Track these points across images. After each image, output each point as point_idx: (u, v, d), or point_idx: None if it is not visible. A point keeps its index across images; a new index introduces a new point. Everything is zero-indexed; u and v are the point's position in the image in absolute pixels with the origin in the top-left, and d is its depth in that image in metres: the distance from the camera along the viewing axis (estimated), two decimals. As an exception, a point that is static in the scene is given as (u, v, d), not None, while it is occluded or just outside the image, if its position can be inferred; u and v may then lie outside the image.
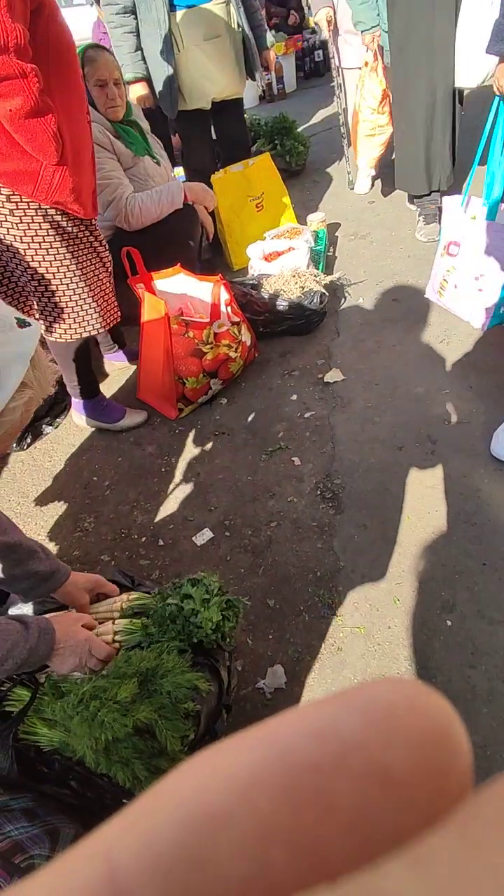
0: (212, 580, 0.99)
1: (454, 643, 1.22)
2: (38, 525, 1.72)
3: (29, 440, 2.00)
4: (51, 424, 2.06)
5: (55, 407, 2.08)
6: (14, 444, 1.96)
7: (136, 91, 2.41)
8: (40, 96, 1.19)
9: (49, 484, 1.85)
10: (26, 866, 0.79)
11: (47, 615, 0.95)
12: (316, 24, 2.78)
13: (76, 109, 1.35)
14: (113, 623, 0.97)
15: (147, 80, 2.38)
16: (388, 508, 1.53)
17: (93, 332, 1.68)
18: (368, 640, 1.26)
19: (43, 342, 0.90)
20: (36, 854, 0.82)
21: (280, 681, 1.23)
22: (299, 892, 0.08)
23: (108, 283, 1.67)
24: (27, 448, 2.00)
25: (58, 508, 1.76)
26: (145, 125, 2.18)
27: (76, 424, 2.04)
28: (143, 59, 2.34)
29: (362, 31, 2.59)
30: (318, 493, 1.61)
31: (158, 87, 2.38)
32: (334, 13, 2.77)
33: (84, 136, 1.40)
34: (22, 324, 0.83)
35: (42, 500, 1.80)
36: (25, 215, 1.41)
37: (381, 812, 0.09)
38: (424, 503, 1.52)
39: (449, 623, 1.25)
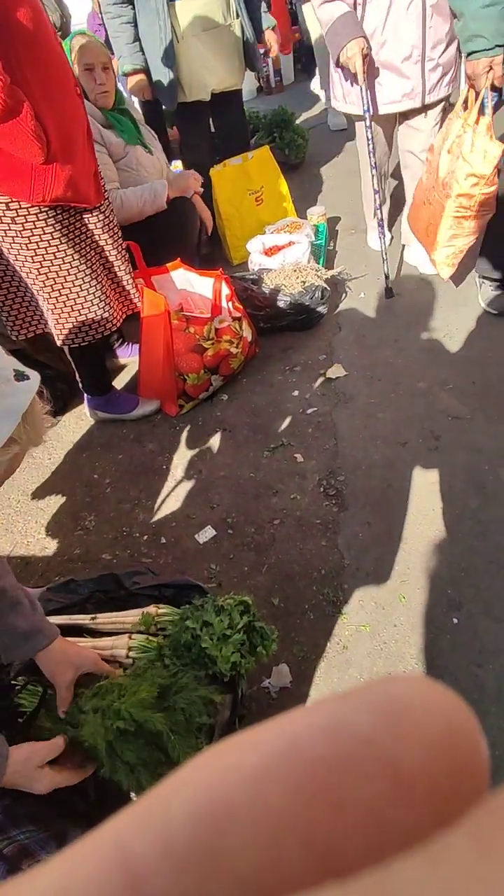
0: (240, 604, 0.91)
1: (461, 641, 1.21)
2: (38, 523, 1.70)
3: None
4: (49, 421, 2.03)
5: (55, 404, 2.05)
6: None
7: (135, 82, 2.37)
8: (9, 96, 1.14)
9: (49, 482, 1.83)
10: (33, 872, 0.78)
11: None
12: (345, 62, 1.86)
13: (57, 87, 1.28)
14: (130, 637, 0.94)
15: (145, 71, 2.35)
16: (393, 505, 1.51)
17: (107, 331, 1.67)
18: (374, 639, 1.25)
19: (41, 393, 0.86)
20: (43, 860, 0.80)
21: (285, 680, 1.22)
22: (310, 886, 0.08)
23: (123, 270, 1.65)
24: (26, 445, 1.98)
25: (58, 506, 1.74)
26: (138, 116, 2.15)
27: (81, 419, 2.02)
28: (142, 49, 2.31)
29: (469, 55, 1.67)
30: (322, 490, 1.60)
31: (157, 78, 2.35)
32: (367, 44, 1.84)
33: (74, 114, 1.34)
34: (20, 377, 0.80)
35: (42, 497, 1.78)
36: (27, 221, 1.38)
37: (393, 810, 0.09)
38: (429, 500, 1.50)
39: (455, 621, 1.24)
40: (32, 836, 0.84)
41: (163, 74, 2.31)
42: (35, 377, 0.83)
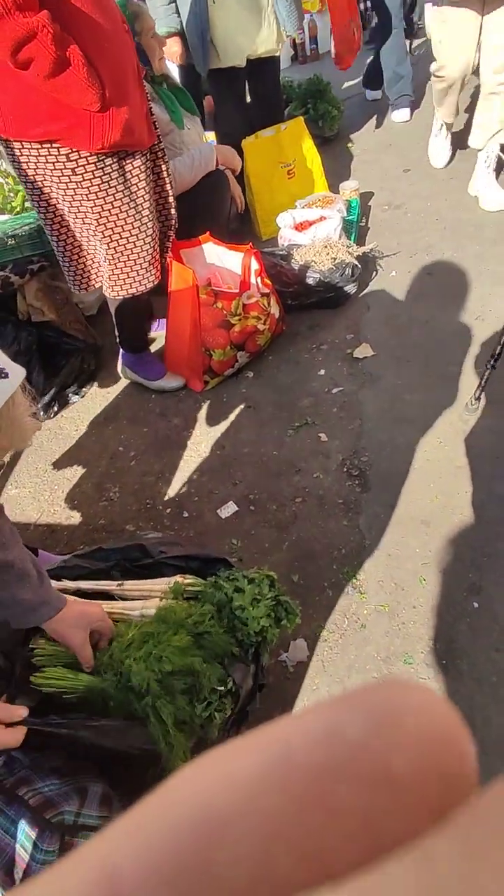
0: (267, 578, 0.94)
1: (481, 626, 1.21)
2: (63, 493, 1.73)
3: (56, 409, 2.01)
4: (77, 393, 2.06)
5: (81, 376, 2.07)
6: (41, 413, 1.97)
7: (170, 46, 2.31)
8: (58, 48, 1.14)
9: (75, 453, 1.86)
10: (57, 822, 0.82)
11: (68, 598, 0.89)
12: None
13: (106, 25, 1.25)
14: (160, 600, 0.96)
15: (181, 34, 2.29)
16: (417, 488, 1.50)
17: (155, 281, 1.69)
18: (393, 619, 1.26)
19: (32, 396, 0.84)
20: (66, 810, 0.84)
21: (302, 654, 1.23)
22: (302, 893, 0.08)
23: (170, 214, 1.68)
24: (54, 416, 2.01)
25: (83, 477, 1.77)
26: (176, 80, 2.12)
27: (108, 392, 2.04)
28: (177, 11, 2.24)
29: None
30: (345, 470, 1.59)
31: (191, 41, 2.28)
32: None
33: (124, 52, 1.32)
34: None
35: (68, 468, 1.81)
36: (86, 171, 1.39)
37: (386, 815, 0.09)
38: (454, 484, 1.49)
39: (476, 605, 1.24)
40: (56, 789, 0.88)
41: (196, 37, 2.24)
42: (16, 375, 0.78)
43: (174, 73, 2.66)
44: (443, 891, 0.08)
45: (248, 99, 2.71)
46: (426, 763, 0.09)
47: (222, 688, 0.88)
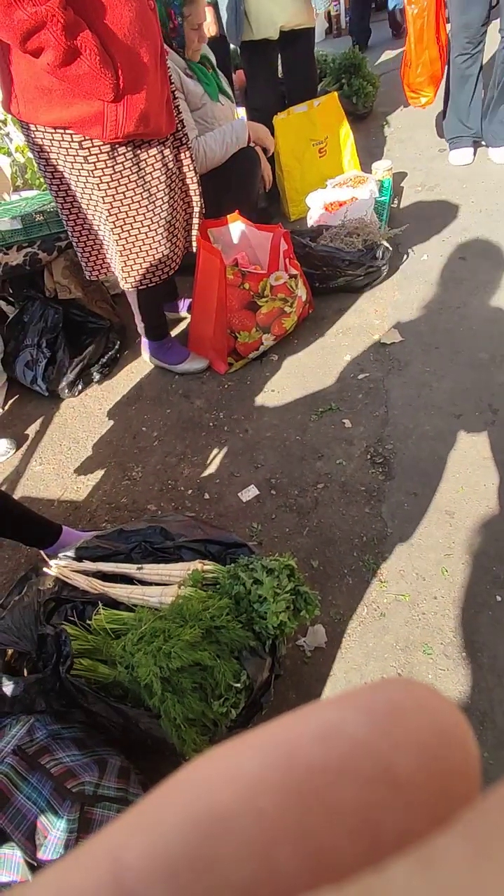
0: (286, 567, 0.93)
1: (503, 619, 1.19)
2: (86, 470, 1.75)
3: (80, 386, 2.02)
4: (101, 372, 2.06)
5: (106, 355, 2.08)
6: (66, 390, 1.98)
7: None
8: (68, 38, 1.10)
9: (99, 431, 1.87)
10: (78, 791, 0.84)
11: None
12: None
13: (126, 6, 1.19)
14: (179, 588, 0.96)
15: (213, 5, 2.23)
16: (442, 478, 1.48)
17: (170, 272, 1.67)
18: (413, 609, 1.25)
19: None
20: (86, 781, 0.86)
21: (320, 640, 1.23)
22: (305, 893, 0.08)
23: (193, 202, 1.65)
24: (78, 394, 2.02)
25: (107, 456, 1.78)
26: (212, 59, 2.06)
27: (132, 372, 2.04)
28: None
29: None
30: (369, 457, 1.57)
31: (223, 11, 2.22)
32: None
33: (146, 34, 1.25)
34: None
35: (92, 446, 1.83)
36: (98, 160, 1.37)
37: (388, 813, 0.09)
38: (480, 475, 1.46)
39: (499, 598, 1.22)
40: (77, 760, 0.90)
41: (229, 8, 2.18)
42: None
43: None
44: (448, 892, 0.08)
45: (281, 73, 2.64)
46: (429, 762, 0.09)
47: (238, 684, 0.88)
